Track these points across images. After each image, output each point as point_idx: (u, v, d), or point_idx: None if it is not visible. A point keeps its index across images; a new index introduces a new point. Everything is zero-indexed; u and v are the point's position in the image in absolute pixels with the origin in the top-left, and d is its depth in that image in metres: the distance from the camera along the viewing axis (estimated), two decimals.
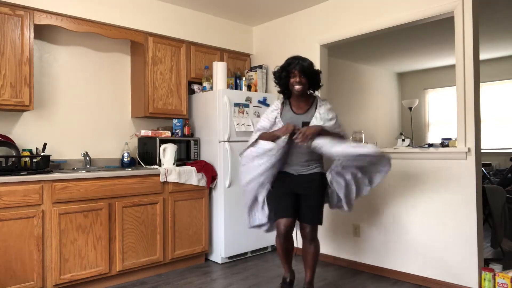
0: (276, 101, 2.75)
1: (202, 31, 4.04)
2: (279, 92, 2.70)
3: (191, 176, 3.52)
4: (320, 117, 2.53)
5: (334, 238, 3.63)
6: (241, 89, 4.03)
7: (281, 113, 2.63)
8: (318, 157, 2.61)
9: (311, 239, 2.61)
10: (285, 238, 2.61)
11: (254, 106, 3.86)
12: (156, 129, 3.83)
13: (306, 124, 2.49)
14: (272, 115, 2.65)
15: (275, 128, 2.60)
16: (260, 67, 4.21)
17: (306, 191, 2.59)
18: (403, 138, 3.48)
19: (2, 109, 2.91)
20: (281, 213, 2.59)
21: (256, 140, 2.61)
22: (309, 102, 2.61)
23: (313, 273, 2.67)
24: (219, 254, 3.68)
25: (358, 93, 6.61)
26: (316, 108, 2.57)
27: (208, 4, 3.85)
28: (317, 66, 3.78)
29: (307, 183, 2.59)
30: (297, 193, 2.60)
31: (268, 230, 2.82)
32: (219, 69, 3.82)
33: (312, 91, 2.66)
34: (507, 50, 5.92)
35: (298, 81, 2.49)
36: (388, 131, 7.21)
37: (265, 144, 2.53)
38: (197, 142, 3.84)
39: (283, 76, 2.56)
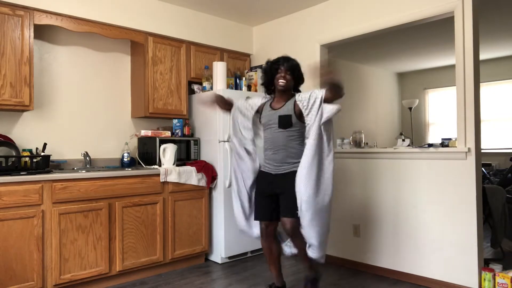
0: (259, 97, 2.82)
1: (202, 31, 4.04)
2: (261, 84, 2.79)
3: (191, 176, 3.52)
4: (303, 107, 2.53)
5: (334, 238, 3.63)
6: (241, 89, 4.03)
7: (261, 110, 2.73)
8: (297, 155, 2.56)
9: (291, 234, 2.58)
10: (266, 238, 2.70)
11: None
12: (156, 129, 3.83)
13: (282, 117, 2.56)
14: (247, 109, 2.78)
15: (244, 116, 2.79)
16: (260, 67, 4.19)
17: (282, 190, 2.58)
18: (403, 138, 3.47)
19: (2, 109, 2.91)
20: (259, 214, 2.69)
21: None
22: (288, 98, 2.64)
23: (310, 265, 2.66)
24: (219, 254, 3.68)
25: (358, 93, 6.61)
26: (293, 102, 2.58)
27: (208, 4, 3.85)
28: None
29: (284, 182, 2.57)
30: (276, 193, 2.63)
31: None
32: (219, 69, 3.82)
33: (296, 91, 2.73)
34: (507, 50, 5.92)
35: (283, 76, 2.57)
36: (388, 131, 7.21)
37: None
38: (197, 142, 3.84)
39: (271, 69, 2.65)
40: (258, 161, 2.76)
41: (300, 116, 2.55)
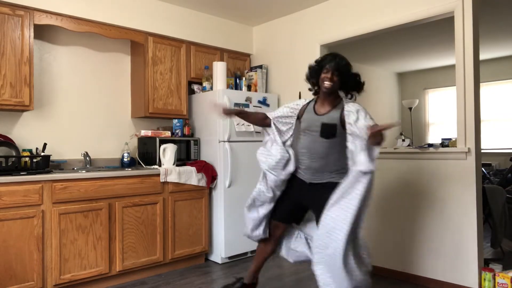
0: (302, 99, 2.61)
1: (202, 31, 4.04)
2: (309, 89, 2.54)
3: (191, 176, 3.52)
4: (348, 123, 2.24)
5: None
6: (241, 89, 4.03)
7: (303, 112, 2.46)
8: (335, 165, 2.30)
9: None
10: (273, 240, 2.58)
11: (254, 106, 3.86)
12: (156, 129, 3.83)
13: (325, 126, 2.30)
14: (290, 111, 2.51)
15: (284, 123, 2.51)
16: (260, 67, 4.21)
17: (313, 204, 2.34)
18: (403, 138, 3.48)
19: (2, 109, 2.91)
20: (278, 215, 2.53)
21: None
22: (334, 103, 2.36)
23: None
24: (219, 254, 3.68)
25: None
26: (341, 109, 2.30)
27: (208, 4, 3.85)
28: None
29: (317, 195, 2.33)
30: (303, 203, 2.46)
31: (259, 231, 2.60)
32: (219, 69, 3.82)
33: (348, 95, 2.43)
34: (507, 50, 5.92)
35: (329, 77, 2.28)
36: (388, 131, 7.19)
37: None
38: (197, 142, 3.84)
39: (315, 69, 2.40)
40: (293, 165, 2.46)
41: (344, 126, 2.27)
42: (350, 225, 2.11)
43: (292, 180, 2.50)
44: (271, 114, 2.57)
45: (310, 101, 2.50)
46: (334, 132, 2.28)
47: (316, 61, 2.43)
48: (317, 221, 2.33)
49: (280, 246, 2.69)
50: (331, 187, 2.24)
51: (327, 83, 2.29)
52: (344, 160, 2.27)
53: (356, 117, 2.20)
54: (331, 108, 2.35)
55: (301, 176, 2.44)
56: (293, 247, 2.62)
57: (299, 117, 2.48)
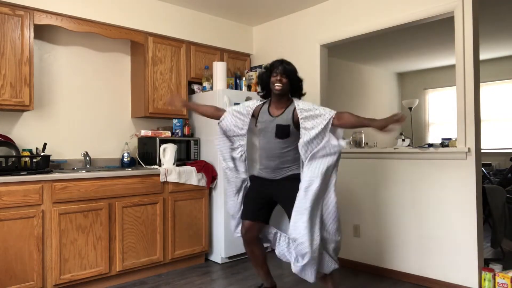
0: (255, 100, 2.70)
1: (202, 31, 4.04)
2: (258, 93, 2.73)
3: (191, 176, 3.52)
4: (301, 118, 2.44)
5: None
6: (241, 89, 4.03)
7: (258, 113, 2.59)
8: (291, 161, 2.49)
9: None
10: (247, 242, 2.65)
11: None
12: (156, 129, 3.83)
13: (280, 127, 2.46)
14: (245, 109, 2.63)
15: (239, 122, 2.63)
16: (260, 67, 4.21)
17: (283, 199, 2.49)
18: (403, 138, 3.48)
19: (2, 109, 2.91)
20: (244, 215, 2.62)
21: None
22: (287, 104, 2.53)
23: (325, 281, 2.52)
24: (219, 254, 3.68)
25: (358, 93, 6.61)
26: (293, 109, 2.47)
27: (208, 4, 3.86)
28: (317, 66, 3.80)
29: (281, 189, 2.50)
30: (275, 201, 2.56)
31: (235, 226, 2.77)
32: (219, 69, 3.82)
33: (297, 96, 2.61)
34: (507, 50, 5.92)
35: (279, 79, 2.45)
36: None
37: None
38: (197, 142, 3.84)
39: (266, 74, 2.56)
40: (246, 171, 2.68)
41: (297, 125, 2.44)
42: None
43: (253, 181, 2.65)
44: (228, 109, 2.71)
45: (264, 103, 2.63)
46: (288, 132, 2.46)
47: (265, 67, 2.61)
48: (288, 214, 2.46)
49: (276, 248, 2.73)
50: (294, 178, 2.45)
51: (278, 85, 2.46)
52: (299, 154, 2.46)
53: (309, 110, 2.42)
54: (284, 109, 2.51)
55: (262, 175, 2.59)
56: (279, 249, 2.68)
57: (254, 117, 2.61)
